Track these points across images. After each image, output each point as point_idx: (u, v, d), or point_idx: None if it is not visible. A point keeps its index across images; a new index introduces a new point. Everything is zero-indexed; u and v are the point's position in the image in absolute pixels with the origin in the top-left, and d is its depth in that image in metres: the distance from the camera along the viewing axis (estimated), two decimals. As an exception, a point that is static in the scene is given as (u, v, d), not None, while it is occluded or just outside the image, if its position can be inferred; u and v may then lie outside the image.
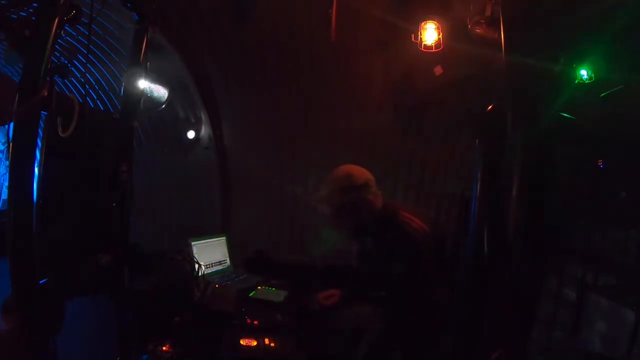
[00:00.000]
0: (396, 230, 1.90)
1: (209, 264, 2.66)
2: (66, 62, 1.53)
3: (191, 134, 4.77)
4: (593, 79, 2.53)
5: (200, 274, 2.12)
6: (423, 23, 2.86)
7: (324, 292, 2.17)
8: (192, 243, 2.58)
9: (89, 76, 4.89)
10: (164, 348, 1.66)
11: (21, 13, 1.45)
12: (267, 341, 1.72)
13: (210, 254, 2.73)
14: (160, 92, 4.05)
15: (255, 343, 1.70)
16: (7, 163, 1.73)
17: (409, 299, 1.86)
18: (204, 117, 4.73)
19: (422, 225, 1.91)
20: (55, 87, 1.36)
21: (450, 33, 2.87)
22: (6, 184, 1.81)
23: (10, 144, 1.27)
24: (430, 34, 2.84)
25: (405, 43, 3.02)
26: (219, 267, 2.77)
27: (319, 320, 2.06)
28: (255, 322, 1.91)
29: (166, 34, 3.99)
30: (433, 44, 2.84)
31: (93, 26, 1.61)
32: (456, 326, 2.09)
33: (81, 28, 1.62)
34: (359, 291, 2.13)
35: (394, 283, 1.90)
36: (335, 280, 2.26)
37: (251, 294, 2.34)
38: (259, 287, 2.45)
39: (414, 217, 1.94)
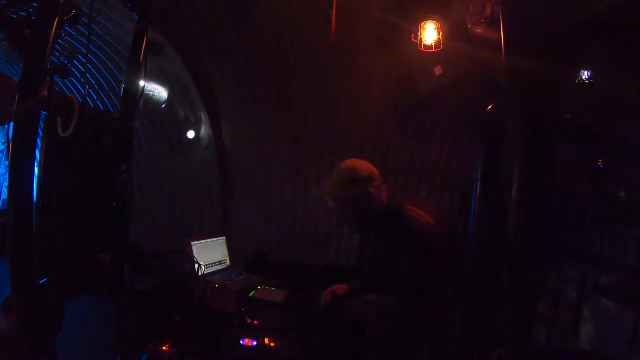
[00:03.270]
0: (402, 226, 1.86)
1: (209, 264, 2.66)
2: (66, 62, 1.53)
3: (191, 134, 4.77)
4: (593, 79, 2.53)
5: (200, 274, 2.12)
6: (423, 23, 2.86)
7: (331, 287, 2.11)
8: (192, 243, 2.58)
9: (89, 76, 4.90)
10: (164, 348, 1.66)
11: (21, 13, 1.45)
12: (267, 341, 1.72)
13: (210, 254, 2.73)
14: (160, 92, 4.06)
15: (255, 343, 1.70)
16: (7, 163, 1.73)
17: (419, 297, 1.81)
18: (204, 117, 4.73)
19: (429, 219, 1.86)
20: (55, 87, 1.36)
21: (450, 33, 2.87)
22: (6, 184, 1.80)
23: (10, 144, 1.27)
24: (430, 34, 2.85)
25: (405, 43, 3.03)
26: (219, 267, 2.77)
27: (323, 315, 2.03)
28: (255, 322, 1.92)
29: (166, 34, 3.99)
30: (433, 44, 2.85)
31: (93, 26, 1.61)
32: (456, 326, 2.08)
33: (81, 28, 1.62)
34: (365, 287, 2.09)
35: (402, 281, 1.85)
36: (335, 279, 2.26)
37: (251, 294, 2.34)
38: (259, 287, 2.45)
39: (421, 212, 1.89)
